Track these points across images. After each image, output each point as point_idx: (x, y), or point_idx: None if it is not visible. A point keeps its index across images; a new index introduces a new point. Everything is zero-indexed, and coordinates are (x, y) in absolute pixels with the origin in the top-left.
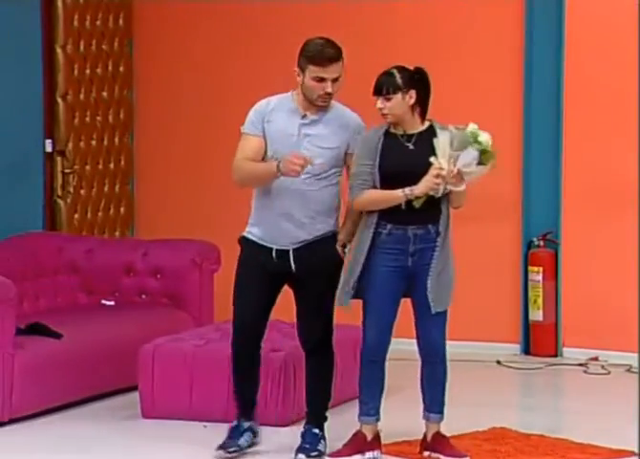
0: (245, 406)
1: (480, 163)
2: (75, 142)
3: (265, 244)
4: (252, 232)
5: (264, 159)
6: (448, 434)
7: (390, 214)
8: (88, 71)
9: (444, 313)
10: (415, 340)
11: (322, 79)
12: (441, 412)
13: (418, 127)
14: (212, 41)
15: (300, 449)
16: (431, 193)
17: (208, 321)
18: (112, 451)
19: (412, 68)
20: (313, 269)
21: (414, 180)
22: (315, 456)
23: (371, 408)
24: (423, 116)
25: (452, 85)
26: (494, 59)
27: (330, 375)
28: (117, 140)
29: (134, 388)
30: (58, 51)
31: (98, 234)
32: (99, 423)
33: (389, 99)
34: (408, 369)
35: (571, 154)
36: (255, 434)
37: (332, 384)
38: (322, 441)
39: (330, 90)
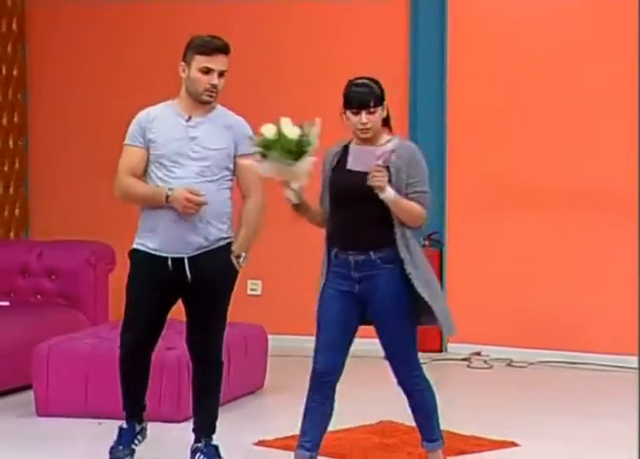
0: (137, 411)
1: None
2: None
3: (159, 254)
4: (145, 244)
5: (146, 169)
6: (339, 428)
7: (335, 238)
8: None
9: (410, 340)
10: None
11: (208, 71)
12: (435, 440)
13: (382, 141)
14: (104, 44)
15: None
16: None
17: (103, 321)
18: (6, 449)
19: (371, 78)
20: (208, 280)
21: (359, 199)
22: None
23: (307, 441)
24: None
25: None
26: (380, 63)
27: (219, 387)
28: (11, 142)
29: (29, 387)
30: None
31: None
32: None
33: (373, 113)
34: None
35: (455, 158)
36: (144, 435)
37: (220, 397)
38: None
39: (215, 81)
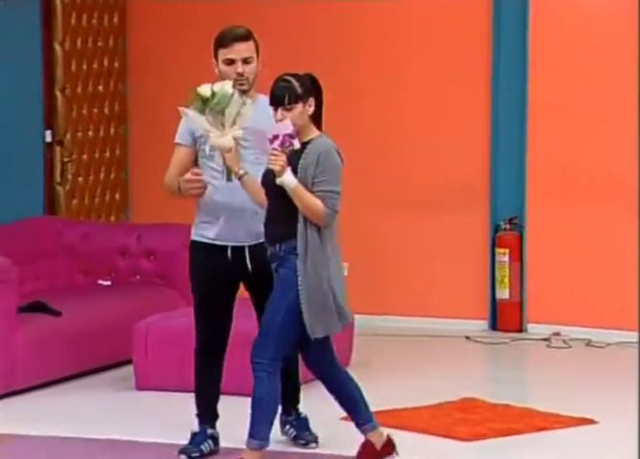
0: (209, 414)
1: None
2: (73, 133)
3: (219, 243)
4: (204, 234)
5: (196, 163)
6: (422, 404)
7: None
8: (85, 66)
9: (272, 331)
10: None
11: (232, 61)
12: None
13: (308, 138)
14: (199, 37)
15: (301, 437)
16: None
17: None
18: (108, 421)
19: (302, 74)
20: (269, 268)
21: (274, 191)
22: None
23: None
24: (318, 124)
25: (422, 79)
26: (462, 52)
27: (296, 365)
28: (112, 130)
29: (129, 362)
30: (57, 47)
31: (95, 219)
32: (96, 394)
33: (289, 110)
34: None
35: (535, 143)
36: (216, 442)
37: (298, 378)
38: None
39: (240, 70)
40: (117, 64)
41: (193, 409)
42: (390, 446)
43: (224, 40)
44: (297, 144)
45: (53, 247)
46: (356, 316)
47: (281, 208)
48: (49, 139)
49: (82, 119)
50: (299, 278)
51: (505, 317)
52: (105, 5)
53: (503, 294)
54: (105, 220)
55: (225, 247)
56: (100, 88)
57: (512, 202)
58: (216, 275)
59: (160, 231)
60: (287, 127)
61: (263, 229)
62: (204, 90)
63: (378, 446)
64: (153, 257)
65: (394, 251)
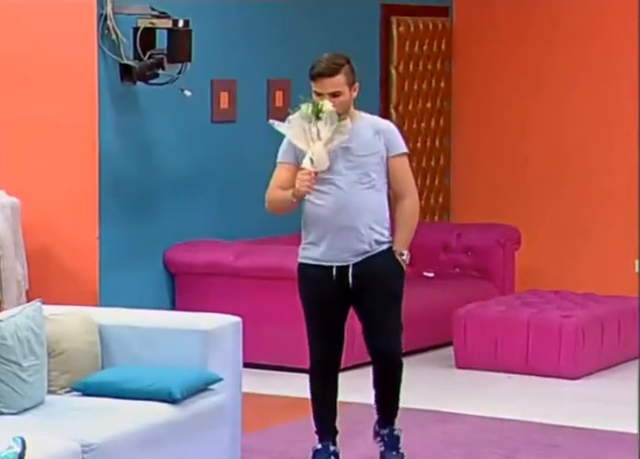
0: (329, 430)
1: None
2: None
3: (325, 264)
4: (309, 256)
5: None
6: None
7: None
8: (415, 86)
9: None
10: None
11: (319, 94)
12: None
13: None
14: (521, 60)
15: (387, 456)
16: None
17: (510, 291)
18: (432, 393)
19: None
20: (374, 282)
21: None
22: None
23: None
24: None
25: None
26: None
27: (399, 385)
28: (437, 142)
29: (449, 344)
30: (392, 71)
31: (421, 219)
32: (421, 370)
33: None
34: None
35: None
36: (337, 457)
37: (398, 395)
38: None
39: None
40: (442, 84)
41: (506, 388)
42: None
43: (311, 74)
44: None
45: None
46: None
47: None
48: None
49: (412, 132)
50: None
51: None
52: (434, 33)
53: None
54: (429, 220)
55: (331, 267)
56: (428, 105)
57: None
58: (325, 297)
59: (477, 230)
60: None
61: (367, 247)
62: (326, 104)
63: None
64: (471, 253)
65: None
